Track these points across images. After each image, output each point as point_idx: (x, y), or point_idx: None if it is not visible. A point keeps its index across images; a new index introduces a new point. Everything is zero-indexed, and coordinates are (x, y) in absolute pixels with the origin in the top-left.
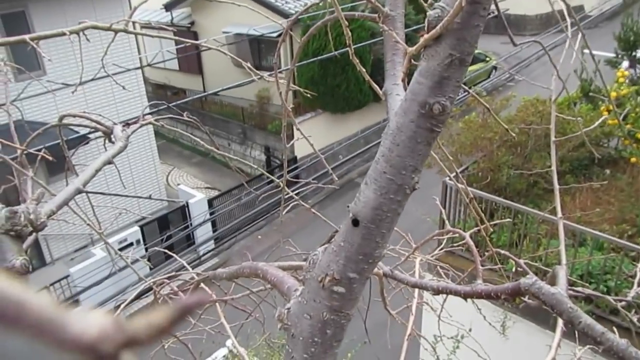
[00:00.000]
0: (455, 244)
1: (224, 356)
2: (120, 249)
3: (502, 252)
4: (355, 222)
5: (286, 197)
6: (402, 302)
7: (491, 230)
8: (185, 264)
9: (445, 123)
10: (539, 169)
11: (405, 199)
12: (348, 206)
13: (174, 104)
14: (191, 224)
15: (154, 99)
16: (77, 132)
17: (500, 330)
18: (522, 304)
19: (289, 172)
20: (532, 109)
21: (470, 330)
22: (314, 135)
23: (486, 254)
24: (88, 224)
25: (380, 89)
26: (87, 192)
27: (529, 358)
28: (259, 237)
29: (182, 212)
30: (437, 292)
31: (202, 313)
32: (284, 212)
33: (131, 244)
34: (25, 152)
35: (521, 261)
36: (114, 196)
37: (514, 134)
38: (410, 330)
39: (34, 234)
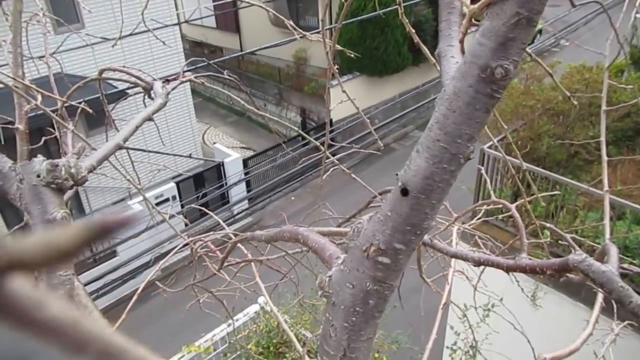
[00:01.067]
0: (492, 215)
1: (255, 312)
2: (157, 204)
3: (548, 225)
4: (405, 192)
5: (323, 160)
6: (436, 269)
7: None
8: (223, 223)
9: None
10: (582, 140)
11: (458, 169)
12: (397, 174)
13: (212, 61)
14: (226, 183)
15: (191, 56)
16: (116, 88)
17: (531, 300)
18: (562, 278)
19: (324, 135)
20: (577, 76)
21: (501, 299)
22: (351, 98)
23: (529, 227)
24: (127, 179)
25: (419, 52)
26: (127, 149)
27: (559, 329)
28: (293, 198)
29: (218, 171)
30: (478, 263)
31: (238, 271)
32: (324, 176)
33: (167, 200)
34: (65, 104)
35: (568, 236)
36: (151, 153)
37: (574, 103)
38: (446, 299)
39: (75, 187)
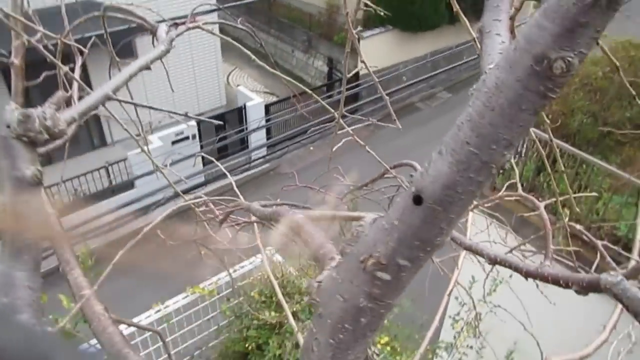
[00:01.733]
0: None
1: (261, 261)
2: (177, 142)
3: (578, 227)
4: (418, 200)
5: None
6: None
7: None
8: (231, 179)
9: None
10: (617, 120)
11: (487, 181)
12: (411, 176)
13: (229, 5)
14: (247, 128)
15: None
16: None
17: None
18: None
19: (348, 89)
20: (622, 52)
21: (510, 275)
22: (380, 52)
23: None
24: (125, 129)
25: (452, 10)
26: (117, 100)
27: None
28: (311, 148)
29: (239, 114)
30: (493, 262)
31: (240, 230)
32: (334, 148)
33: (187, 138)
34: (64, 40)
35: (599, 242)
36: (170, 92)
37: (613, 81)
38: (453, 285)
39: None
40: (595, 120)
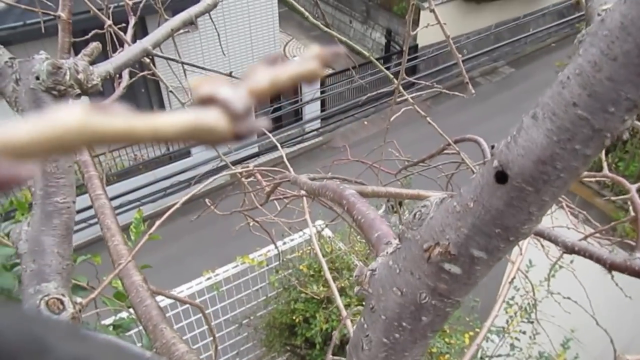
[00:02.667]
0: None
1: (309, 234)
2: None
3: None
4: (502, 177)
5: (395, 88)
6: None
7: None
8: (282, 151)
9: None
10: None
11: (596, 154)
12: (493, 147)
13: None
14: (301, 100)
15: None
16: None
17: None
18: None
19: (407, 60)
20: None
21: (571, 262)
22: (442, 23)
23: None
24: (170, 91)
25: None
26: (156, 55)
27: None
28: (365, 122)
29: (294, 85)
30: (570, 251)
31: (288, 202)
32: (392, 118)
33: None
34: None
35: None
36: (226, 62)
37: None
38: (515, 272)
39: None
40: None
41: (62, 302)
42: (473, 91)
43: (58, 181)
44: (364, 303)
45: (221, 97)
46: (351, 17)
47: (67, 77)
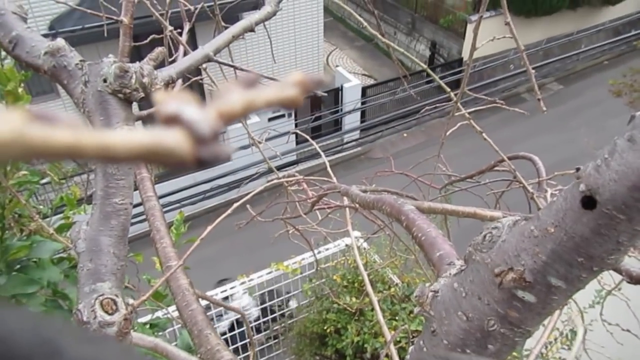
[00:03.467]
0: None
1: (346, 245)
2: (273, 118)
3: None
4: (589, 203)
5: (455, 101)
6: None
7: None
8: (325, 159)
9: None
10: None
11: None
12: (578, 169)
13: None
14: (342, 110)
15: None
16: None
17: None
18: None
19: (451, 74)
20: None
21: (619, 289)
22: (489, 37)
23: None
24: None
25: None
26: (217, 62)
27: None
28: (405, 135)
29: (335, 95)
30: (636, 281)
31: (330, 212)
32: (448, 132)
33: (283, 115)
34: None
35: None
36: (270, 69)
37: None
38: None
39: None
40: None
41: (115, 303)
42: (544, 108)
43: (118, 182)
44: (396, 318)
45: (187, 117)
46: (396, 29)
47: (133, 81)
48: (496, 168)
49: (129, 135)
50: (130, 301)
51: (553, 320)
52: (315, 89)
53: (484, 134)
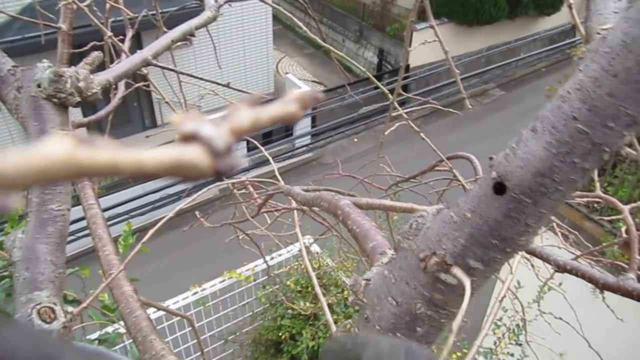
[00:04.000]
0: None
1: (299, 250)
2: None
3: None
4: (500, 188)
5: (390, 102)
6: None
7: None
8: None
9: None
10: None
11: (594, 167)
12: (491, 158)
13: None
14: None
15: None
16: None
17: (592, 290)
18: None
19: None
20: None
21: (560, 284)
22: (434, 45)
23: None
24: (166, 102)
25: (518, 5)
26: (156, 66)
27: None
28: (355, 140)
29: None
30: (563, 269)
31: (279, 215)
32: (386, 132)
33: None
34: (114, 5)
35: None
36: (219, 75)
37: None
38: (505, 291)
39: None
40: None
41: (53, 311)
42: (470, 106)
43: (54, 189)
44: (350, 321)
45: (204, 134)
46: (344, 37)
47: (68, 85)
48: (439, 168)
49: (158, 153)
50: (70, 309)
51: (493, 313)
52: (313, 104)
53: (421, 134)
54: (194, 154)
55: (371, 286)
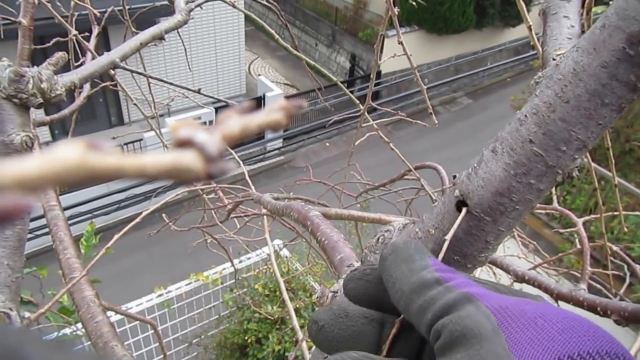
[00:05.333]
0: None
1: (267, 253)
2: None
3: (615, 248)
4: (462, 206)
5: (361, 113)
6: None
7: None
8: (244, 168)
9: None
10: None
11: (549, 189)
12: (454, 176)
13: None
14: None
15: None
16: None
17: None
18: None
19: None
20: None
21: (520, 289)
22: (403, 52)
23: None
24: (134, 104)
25: (484, 15)
26: (123, 68)
27: None
28: (327, 144)
29: (258, 104)
30: (521, 279)
31: (248, 221)
32: (357, 142)
33: (204, 124)
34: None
35: (638, 267)
36: (190, 77)
37: None
38: None
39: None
40: (618, 136)
41: (9, 317)
42: (436, 121)
43: None
44: None
45: (198, 140)
46: (317, 40)
47: (30, 86)
48: (408, 177)
49: (157, 158)
50: (27, 314)
51: None
52: (298, 112)
53: (391, 145)
54: (189, 159)
55: (337, 298)
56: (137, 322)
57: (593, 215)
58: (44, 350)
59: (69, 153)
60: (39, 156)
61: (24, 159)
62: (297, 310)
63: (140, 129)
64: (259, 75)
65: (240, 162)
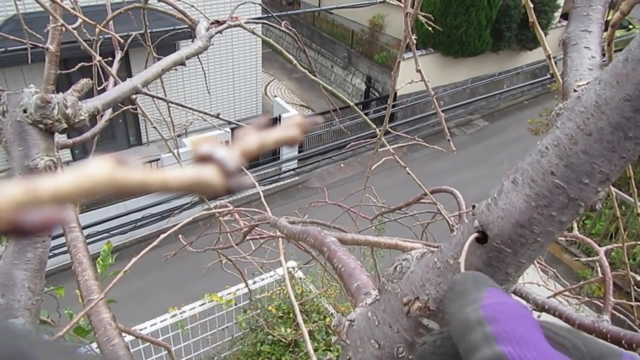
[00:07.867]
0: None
1: (281, 275)
2: None
3: (638, 277)
4: (482, 238)
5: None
6: None
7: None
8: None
9: None
10: None
11: (571, 221)
12: (474, 206)
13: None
14: None
15: (269, 5)
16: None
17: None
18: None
19: (384, 109)
20: None
21: (539, 316)
22: (419, 75)
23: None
24: (153, 126)
25: (501, 38)
26: (145, 94)
27: None
28: (342, 165)
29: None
30: (541, 309)
31: (263, 243)
32: (372, 167)
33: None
34: (101, 29)
35: None
36: (207, 97)
37: None
38: None
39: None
40: (639, 162)
41: None
42: (454, 148)
43: None
44: (331, 348)
45: (217, 156)
46: (333, 62)
47: (55, 112)
48: (424, 200)
49: (179, 173)
50: (46, 337)
51: None
52: (313, 128)
53: (407, 169)
54: (209, 174)
55: (354, 327)
56: (143, 345)
57: (615, 245)
58: (51, 354)
59: (99, 168)
60: (71, 172)
61: (57, 176)
62: (310, 333)
63: (157, 149)
64: (275, 96)
65: (257, 184)
